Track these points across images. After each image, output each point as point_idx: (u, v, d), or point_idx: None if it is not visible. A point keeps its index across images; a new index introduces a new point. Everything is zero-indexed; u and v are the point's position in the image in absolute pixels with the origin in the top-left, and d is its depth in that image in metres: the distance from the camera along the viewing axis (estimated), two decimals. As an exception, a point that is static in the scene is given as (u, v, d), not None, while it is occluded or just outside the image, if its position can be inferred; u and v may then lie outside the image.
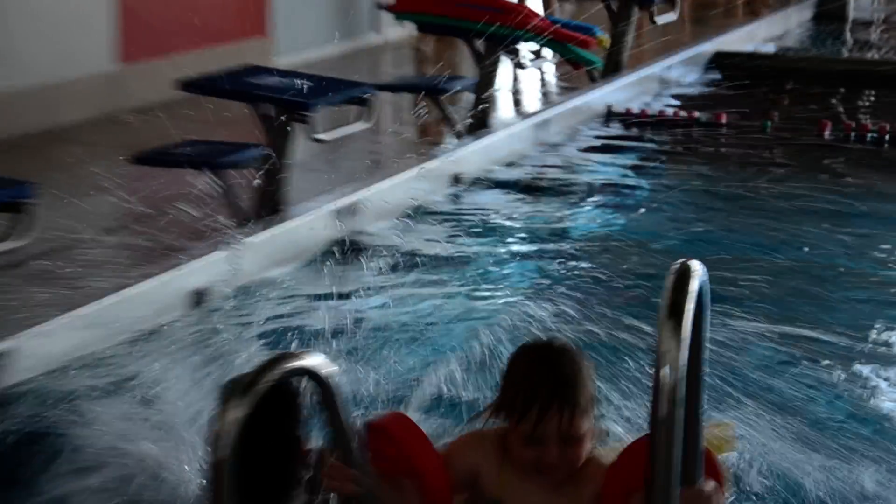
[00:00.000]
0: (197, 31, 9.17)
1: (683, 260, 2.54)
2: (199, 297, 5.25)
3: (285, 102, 5.97)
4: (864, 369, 4.87)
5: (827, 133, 8.59)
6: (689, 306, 2.44)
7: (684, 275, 2.48)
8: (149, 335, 4.92)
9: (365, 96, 6.35)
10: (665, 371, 2.37)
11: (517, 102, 9.19)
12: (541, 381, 2.73)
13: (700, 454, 2.54)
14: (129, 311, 4.95)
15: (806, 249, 6.32)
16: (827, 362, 4.90)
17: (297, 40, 10.47)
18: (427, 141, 8.25)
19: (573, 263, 6.03)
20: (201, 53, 9.00)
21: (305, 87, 6.18)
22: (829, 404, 4.56)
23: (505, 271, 5.90)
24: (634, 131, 8.84)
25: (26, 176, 5.02)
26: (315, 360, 2.62)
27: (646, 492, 2.40)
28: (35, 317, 4.67)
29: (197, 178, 6.05)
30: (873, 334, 5.25)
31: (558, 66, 9.86)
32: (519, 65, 9.50)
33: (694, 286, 2.47)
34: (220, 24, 9.45)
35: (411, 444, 2.85)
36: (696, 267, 2.52)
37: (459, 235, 6.39)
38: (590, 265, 6.00)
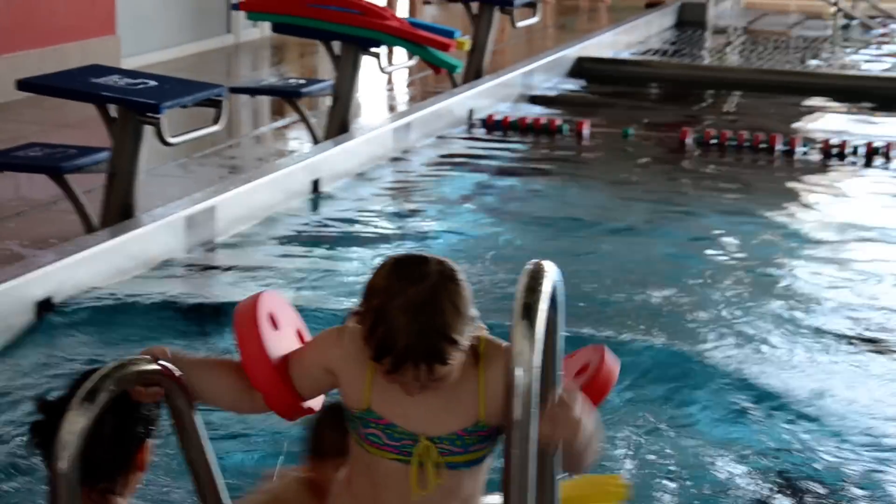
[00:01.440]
0: (38, 28, 9.05)
1: (536, 261, 2.59)
2: (45, 306, 5.17)
3: (132, 103, 5.88)
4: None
5: (688, 140, 8.78)
6: (542, 307, 2.49)
7: (537, 275, 2.53)
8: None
9: (217, 98, 6.30)
10: (518, 372, 2.42)
11: (377, 106, 9.22)
12: (395, 329, 2.46)
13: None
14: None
15: (653, 248, 6.52)
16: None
17: (147, 40, 10.38)
18: (285, 145, 8.27)
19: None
20: (43, 52, 8.88)
21: (154, 87, 6.10)
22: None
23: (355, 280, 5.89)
24: (496, 137, 8.94)
25: None
26: (159, 364, 2.63)
27: (503, 489, 2.44)
28: None
29: (42, 182, 5.98)
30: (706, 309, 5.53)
31: (418, 69, 9.93)
32: (379, 68, 9.53)
33: (547, 287, 2.53)
34: (63, 22, 9.32)
35: (242, 343, 2.67)
36: (549, 268, 2.57)
37: (312, 245, 6.39)
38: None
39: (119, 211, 5.94)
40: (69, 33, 9.34)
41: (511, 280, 4.90)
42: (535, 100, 10.09)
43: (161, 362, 2.62)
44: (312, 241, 6.45)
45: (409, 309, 2.47)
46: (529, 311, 2.47)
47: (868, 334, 5.43)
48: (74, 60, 8.28)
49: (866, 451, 4.37)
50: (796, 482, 4.16)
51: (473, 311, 2.56)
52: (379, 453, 2.62)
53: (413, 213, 7.03)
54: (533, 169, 8.33)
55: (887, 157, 8.50)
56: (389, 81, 10.18)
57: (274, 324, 2.72)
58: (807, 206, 7.65)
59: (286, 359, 2.67)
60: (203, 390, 2.66)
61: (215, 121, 6.28)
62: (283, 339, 2.72)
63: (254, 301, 2.72)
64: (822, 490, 4.10)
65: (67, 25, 9.34)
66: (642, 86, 10.64)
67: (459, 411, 2.60)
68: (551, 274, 2.57)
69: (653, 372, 4.91)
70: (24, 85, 6.14)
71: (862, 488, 4.12)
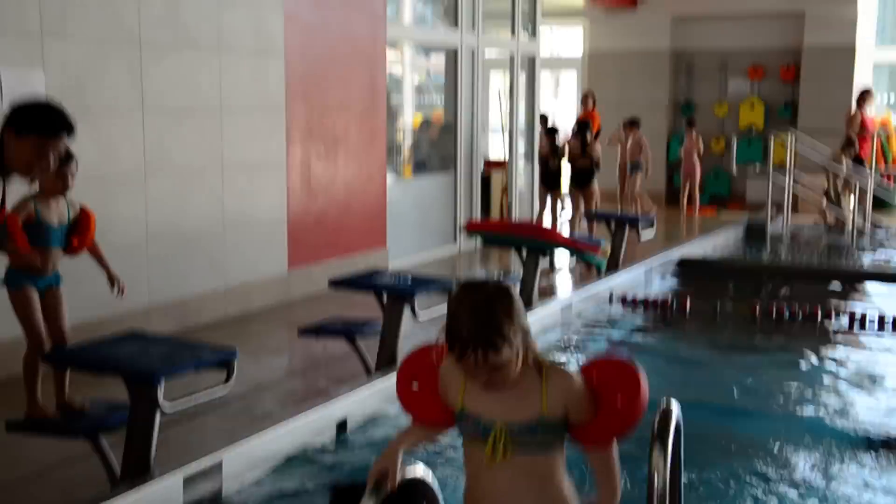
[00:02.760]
0: (339, 244, 9.37)
1: (665, 399, 2.54)
2: (342, 425, 5.25)
3: (396, 292, 6.05)
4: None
5: (757, 312, 8.52)
6: (671, 433, 2.45)
7: (667, 411, 2.49)
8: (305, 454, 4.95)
9: (448, 288, 6.40)
10: (655, 479, 2.36)
11: (550, 291, 9.23)
12: (460, 324, 2.32)
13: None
14: (294, 434, 4.97)
15: (738, 387, 6.29)
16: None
17: (405, 249, 10.65)
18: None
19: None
20: (342, 260, 9.16)
21: (409, 282, 6.25)
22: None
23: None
24: (628, 310, 8.82)
25: (230, 343, 5.12)
26: (418, 470, 2.63)
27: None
28: (236, 437, 4.69)
29: (340, 342, 6.14)
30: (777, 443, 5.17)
31: (576, 266, 9.96)
32: (551, 265, 9.61)
33: (674, 418, 2.48)
34: (354, 239, 9.64)
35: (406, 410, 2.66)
36: (674, 405, 2.53)
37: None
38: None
39: (389, 359, 6.03)
40: (358, 246, 9.65)
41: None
42: (653, 285, 9.96)
43: (416, 470, 2.60)
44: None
45: (469, 310, 2.31)
46: (662, 437, 2.42)
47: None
48: (361, 264, 8.55)
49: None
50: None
51: (524, 322, 2.37)
52: (472, 443, 2.47)
53: (572, 357, 6.95)
54: (655, 330, 8.18)
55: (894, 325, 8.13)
56: (557, 274, 10.18)
57: (421, 374, 2.63)
58: (838, 354, 7.35)
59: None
60: (413, 446, 2.64)
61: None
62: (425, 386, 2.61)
63: (396, 380, 2.69)
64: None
65: (357, 241, 9.66)
66: (724, 276, 10.42)
67: (526, 406, 2.40)
68: (676, 410, 2.52)
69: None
70: (332, 283, 6.35)
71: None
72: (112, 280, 4.75)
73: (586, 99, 14.67)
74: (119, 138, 6.98)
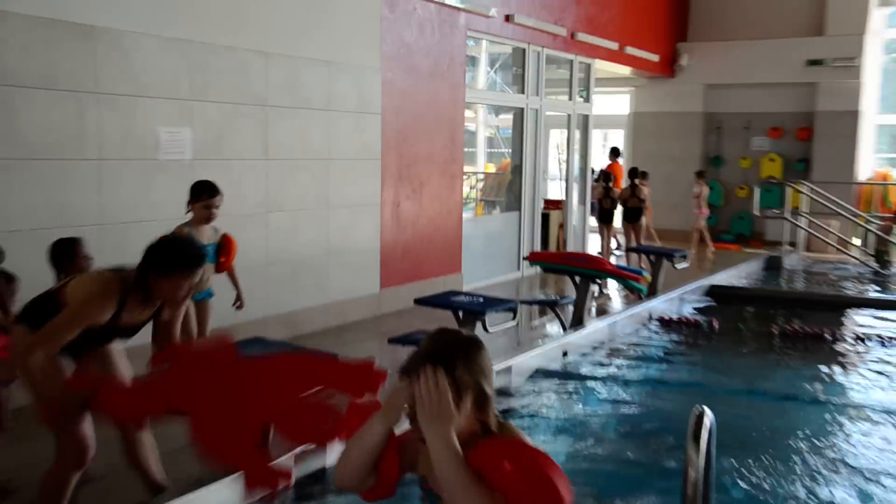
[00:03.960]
0: (423, 269, 9.34)
1: (698, 406, 2.41)
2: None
3: (469, 311, 5.98)
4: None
5: (775, 332, 8.17)
6: (704, 436, 2.31)
7: (700, 417, 2.36)
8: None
9: (513, 308, 6.31)
10: (690, 478, 2.23)
11: (599, 311, 9.02)
12: (422, 347, 1.91)
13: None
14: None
15: (754, 391, 5.98)
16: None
17: (476, 274, 10.58)
18: (546, 332, 8.16)
19: (622, 404, 5.79)
20: (424, 282, 9.13)
21: (481, 302, 6.18)
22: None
23: (588, 411, 5.65)
24: (666, 328, 8.56)
25: (330, 348, 5.09)
26: None
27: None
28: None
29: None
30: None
31: (621, 291, 9.72)
32: (599, 290, 9.39)
33: (707, 423, 2.35)
34: (435, 266, 9.61)
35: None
36: (708, 412, 2.39)
37: (561, 386, 6.20)
38: (633, 406, 5.76)
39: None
40: (438, 271, 9.61)
41: (668, 415, 4.49)
42: (686, 308, 9.67)
43: None
44: (562, 385, 6.26)
45: (431, 337, 1.95)
46: (696, 440, 2.29)
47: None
48: (440, 286, 8.48)
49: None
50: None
51: (482, 379, 1.85)
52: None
53: (618, 368, 6.77)
54: (687, 346, 7.88)
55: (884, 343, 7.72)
56: (604, 297, 9.97)
57: None
58: (836, 370, 6.91)
59: None
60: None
61: (512, 318, 6.27)
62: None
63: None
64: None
65: (437, 267, 9.62)
66: (748, 301, 10.06)
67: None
68: (709, 416, 2.38)
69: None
70: (417, 301, 6.31)
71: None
72: (239, 300, 5.05)
73: (613, 153, 14.81)
74: (247, 182, 7.10)
